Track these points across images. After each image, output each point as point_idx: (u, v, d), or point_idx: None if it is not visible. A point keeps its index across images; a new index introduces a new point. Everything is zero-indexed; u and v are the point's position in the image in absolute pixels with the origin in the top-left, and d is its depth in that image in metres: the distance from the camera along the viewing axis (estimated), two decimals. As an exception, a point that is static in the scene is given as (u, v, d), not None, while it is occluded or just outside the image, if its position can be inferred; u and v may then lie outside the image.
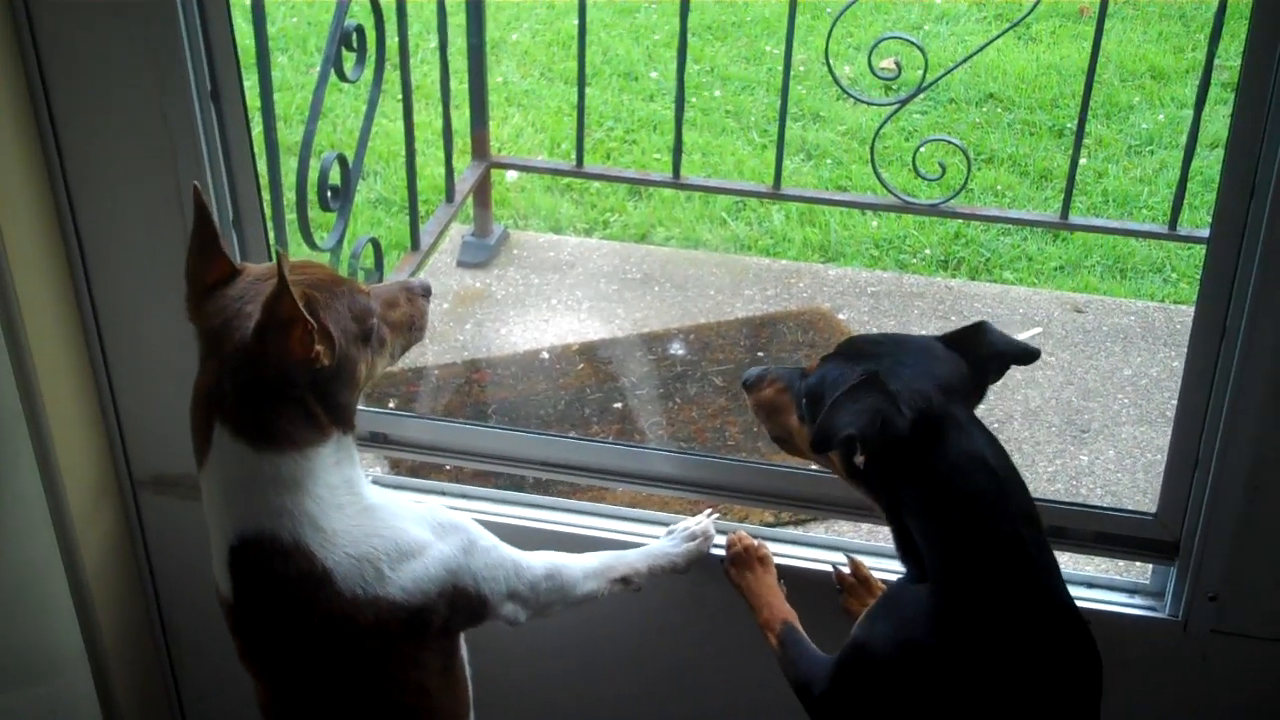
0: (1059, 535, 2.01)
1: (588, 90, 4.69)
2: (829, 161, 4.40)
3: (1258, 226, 1.72)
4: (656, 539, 2.04)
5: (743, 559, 1.98)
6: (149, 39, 1.87)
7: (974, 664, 1.62)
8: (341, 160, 2.85)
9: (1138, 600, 2.02)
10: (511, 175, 4.25)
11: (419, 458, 2.23)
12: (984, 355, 1.69)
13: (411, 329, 1.78)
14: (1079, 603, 1.97)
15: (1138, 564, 2.11)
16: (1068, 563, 2.50)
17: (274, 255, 2.13)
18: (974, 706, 1.63)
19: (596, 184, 4.21)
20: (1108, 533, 1.99)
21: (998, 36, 3.75)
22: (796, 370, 1.79)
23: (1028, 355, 1.71)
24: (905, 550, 1.71)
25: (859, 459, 1.60)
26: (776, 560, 2.01)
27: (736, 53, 4.95)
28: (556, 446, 2.22)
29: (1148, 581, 2.04)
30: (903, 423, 1.59)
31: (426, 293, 1.81)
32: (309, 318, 1.55)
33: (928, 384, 1.63)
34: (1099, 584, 2.05)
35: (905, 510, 1.66)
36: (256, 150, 2.02)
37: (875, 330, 3.49)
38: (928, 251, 4.00)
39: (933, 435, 1.61)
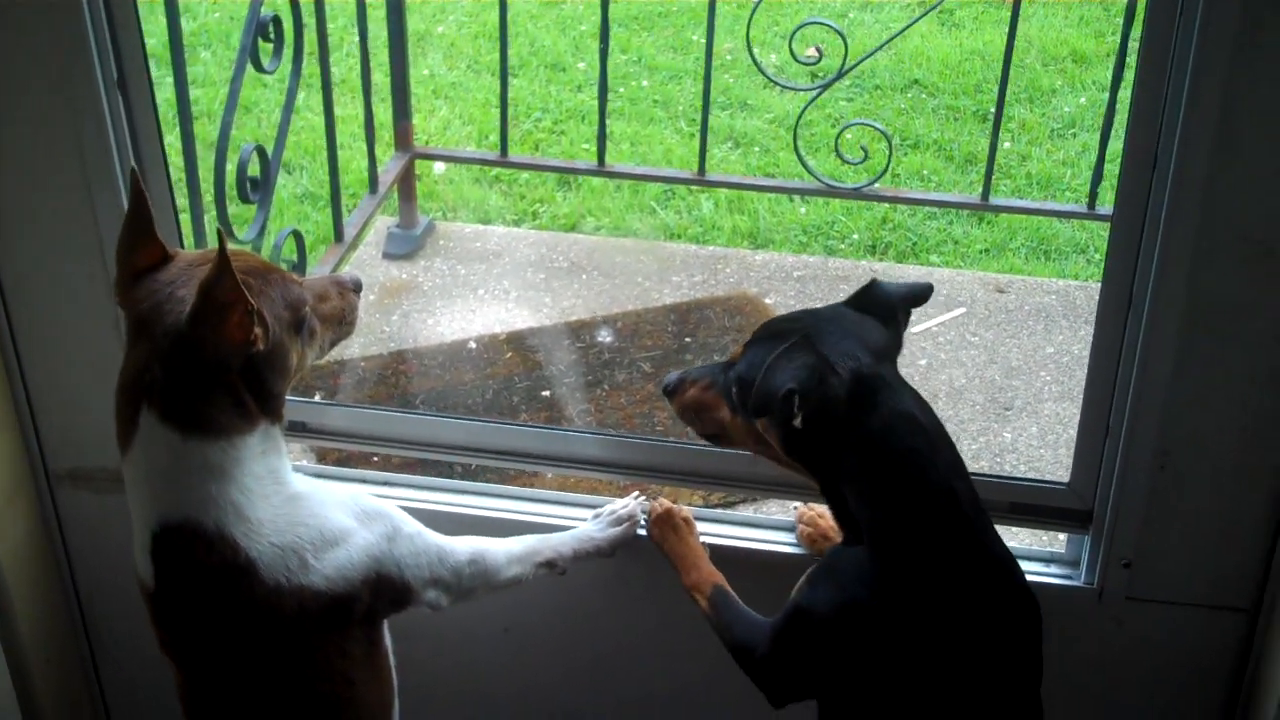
0: (976, 507, 2.03)
1: (515, 81, 4.71)
2: (757, 149, 4.43)
3: (1160, 199, 1.75)
4: (584, 522, 2.04)
5: (665, 520, 1.99)
6: (54, 26, 1.85)
7: (915, 622, 1.64)
8: (260, 152, 2.84)
9: (1054, 569, 2.05)
10: (439, 168, 4.24)
11: (340, 445, 2.22)
12: (887, 308, 1.73)
13: (342, 323, 1.78)
14: (996, 573, 2.03)
15: (1055, 534, 2.15)
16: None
17: (185, 245, 2.12)
18: (916, 663, 1.65)
19: (525, 175, 4.21)
20: (1023, 503, 2.02)
21: (916, 20, 3.79)
22: (716, 366, 1.81)
23: (923, 293, 1.76)
24: (842, 518, 1.73)
25: (797, 421, 1.62)
26: (707, 540, 2.02)
27: (664, 42, 4.96)
28: (479, 431, 2.21)
29: (1063, 551, 2.07)
30: (839, 381, 1.62)
31: (357, 288, 1.81)
32: (250, 299, 1.54)
33: (854, 345, 1.66)
34: (1016, 554, 2.06)
35: (842, 477, 1.68)
36: (174, 143, 2.01)
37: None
38: (855, 236, 4.03)
39: (866, 395, 1.63)
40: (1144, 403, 1.86)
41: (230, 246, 1.53)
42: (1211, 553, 1.95)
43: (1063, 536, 2.08)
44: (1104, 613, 2.01)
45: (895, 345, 1.73)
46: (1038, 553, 2.08)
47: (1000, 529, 2.53)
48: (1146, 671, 2.06)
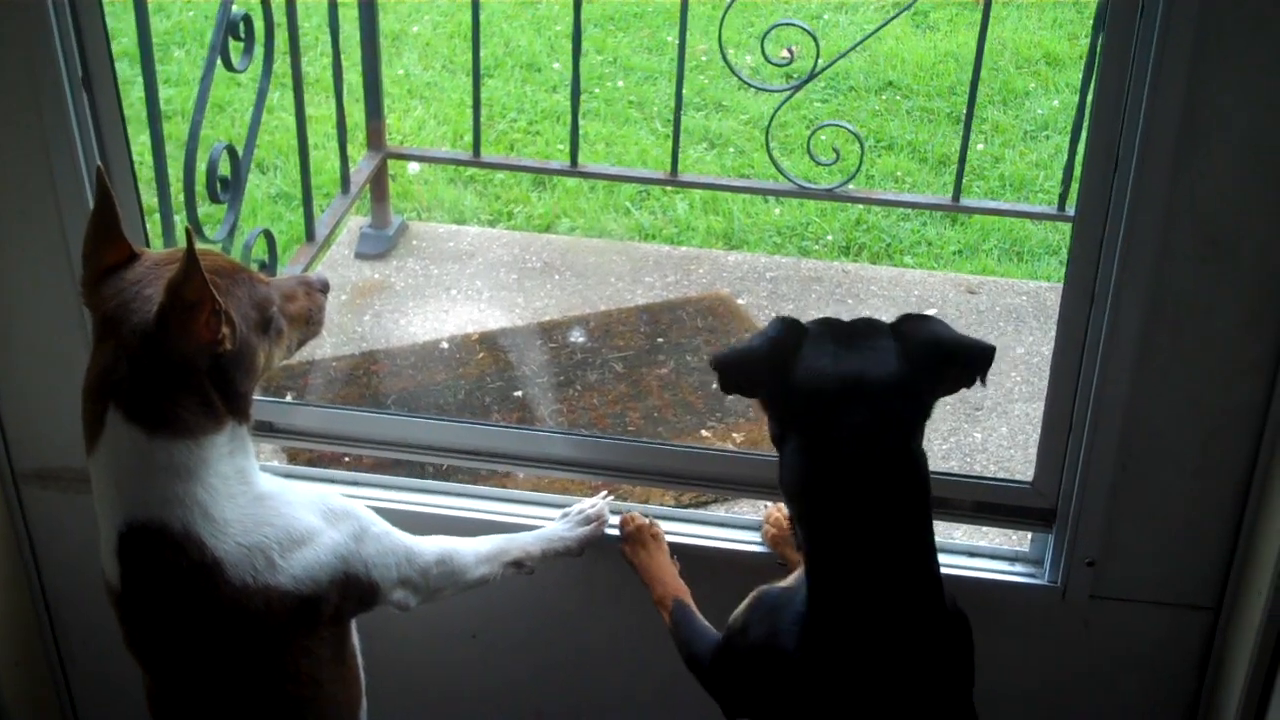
0: (941, 506, 2.04)
1: (490, 82, 4.71)
2: (731, 150, 4.43)
3: (1122, 199, 1.76)
4: (553, 521, 2.04)
5: (636, 537, 2.00)
6: (18, 24, 1.84)
7: (837, 680, 1.62)
8: (231, 151, 2.83)
9: (1018, 568, 2.06)
10: (414, 168, 4.23)
11: (308, 446, 2.22)
12: (924, 348, 1.62)
13: (309, 323, 1.78)
14: (961, 572, 2.04)
15: (1020, 532, 2.15)
16: (950, 533, 2.58)
17: (155, 245, 2.12)
18: (835, 712, 1.64)
19: (500, 176, 4.21)
20: (987, 502, 2.03)
21: (887, 21, 3.81)
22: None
23: (970, 354, 1.63)
24: (794, 533, 1.73)
25: (717, 386, 1.62)
26: (677, 540, 2.03)
27: (639, 43, 4.97)
28: (448, 431, 2.21)
29: (1027, 549, 2.07)
30: (787, 375, 1.58)
31: (325, 288, 1.81)
32: (218, 299, 1.54)
33: (834, 355, 1.60)
34: (981, 553, 2.08)
35: (779, 484, 1.67)
36: (148, 142, 2.00)
37: (772, 314, 3.51)
38: (830, 238, 4.04)
39: (819, 405, 1.57)
40: (1106, 402, 1.87)
41: (198, 246, 1.53)
42: (1174, 551, 1.96)
43: (1028, 535, 2.08)
44: (1068, 611, 2.02)
45: (904, 383, 1.59)
46: (1002, 551, 2.09)
47: (966, 528, 2.57)
48: (1111, 670, 2.07)
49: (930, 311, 3.58)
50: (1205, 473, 1.89)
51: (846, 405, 1.56)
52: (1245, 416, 1.85)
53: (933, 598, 1.63)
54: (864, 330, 1.64)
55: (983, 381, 1.62)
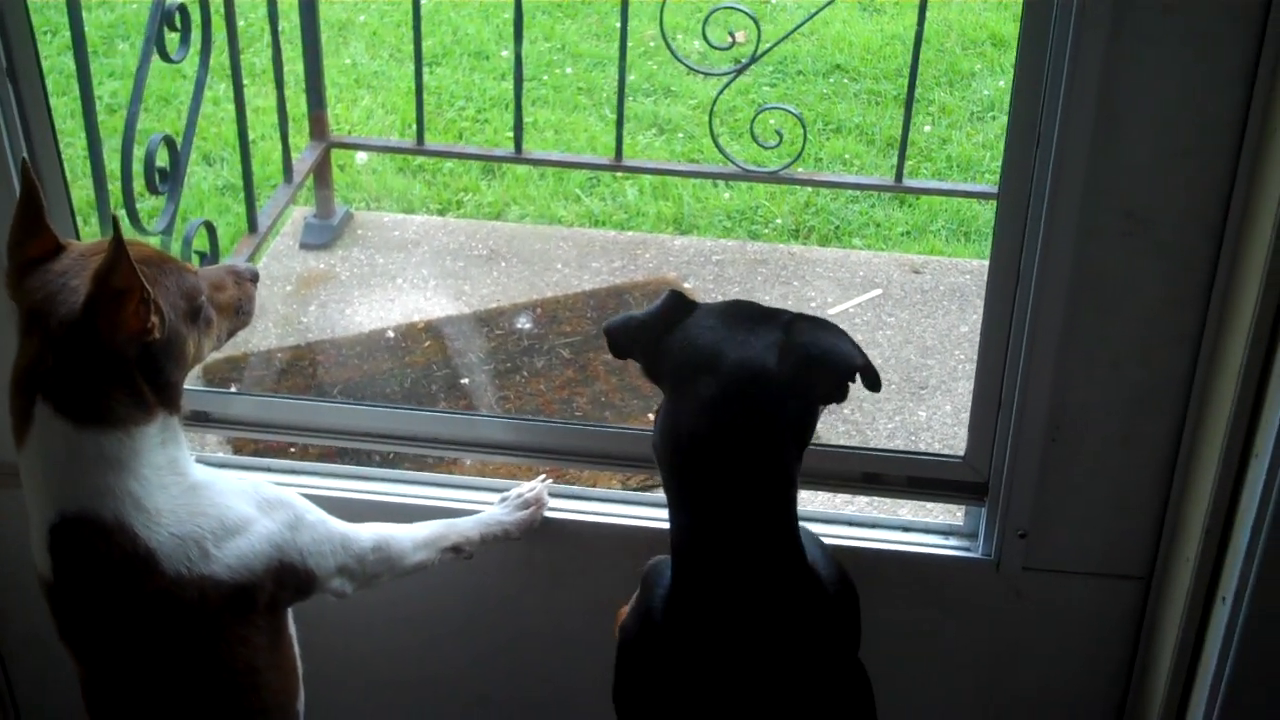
0: (874, 481, 2.07)
1: (438, 70, 4.70)
2: (680, 135, 4.44)
3: (1044, 176, 1.78)
4: (492, 505, 2.05)
5: None
6: (-62, 17, 1.83)
7: (695, 649, 1.66)
8: (169, 142, 2.82)
9: (952, 541, 2.08)
10: (362, 157, 4.22)
11: (244, 435, 2.22)
12: (798, 350, 1.64)
13: (239, 313, 1.78)
14: (897, 547, 2.07)
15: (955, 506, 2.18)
16: (884, 508, 2.60)
17: (79, 234, 2.11)
18: (696, 680, 1.67)
19: (449, 164, 4.20)
20: (920, 477, 2.05)
21: (826, 4, 3.83)
22: None
23: (831, 361, 1.64)
24: None
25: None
26: (627, 523, 2.06)
27: (587, 29, 4.96)
28: (387, 417, 2.21)
29: (961, 523, 2.10)
30: (648, 311, 1.67)
31: (254, 277, 1.81)
32: (146, 286, 1.54)
33: (716, 330, 1.65)
34: (915, 527, 2.10)
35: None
36: (69, 134, 1.99)
37: (720, 298, 3.53)
38: (779, 221, 4.06)
39: (684, 370, 1.63)
40: (1034, 376, 1.89)
41: (130, 237, 1.53)
42: (1104, 521, 1.98)
43: (961, 509, 2.11)
44: (1002, 583, 2.04)
45: (763, 372, 1.61)
46: (936, 525, 2.11)
47: (903, 502, 2.59)
48: (1046, 641, 2.10)
49: (875, 292, 3.66)
50: (1133, 443, 1.92)
51: (701, 376, 1.60)
52: (1170, 386, 1.87)
53: (789, 567, 1.65)
54: (758, 317, 1.67)
55: (875, 388, 1.65)
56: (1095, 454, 1.93)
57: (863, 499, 2.72)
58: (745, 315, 1.67)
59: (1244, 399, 1.75)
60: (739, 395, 1.59)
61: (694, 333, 1.64)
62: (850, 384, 1.65)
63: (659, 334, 1.66)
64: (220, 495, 1.69)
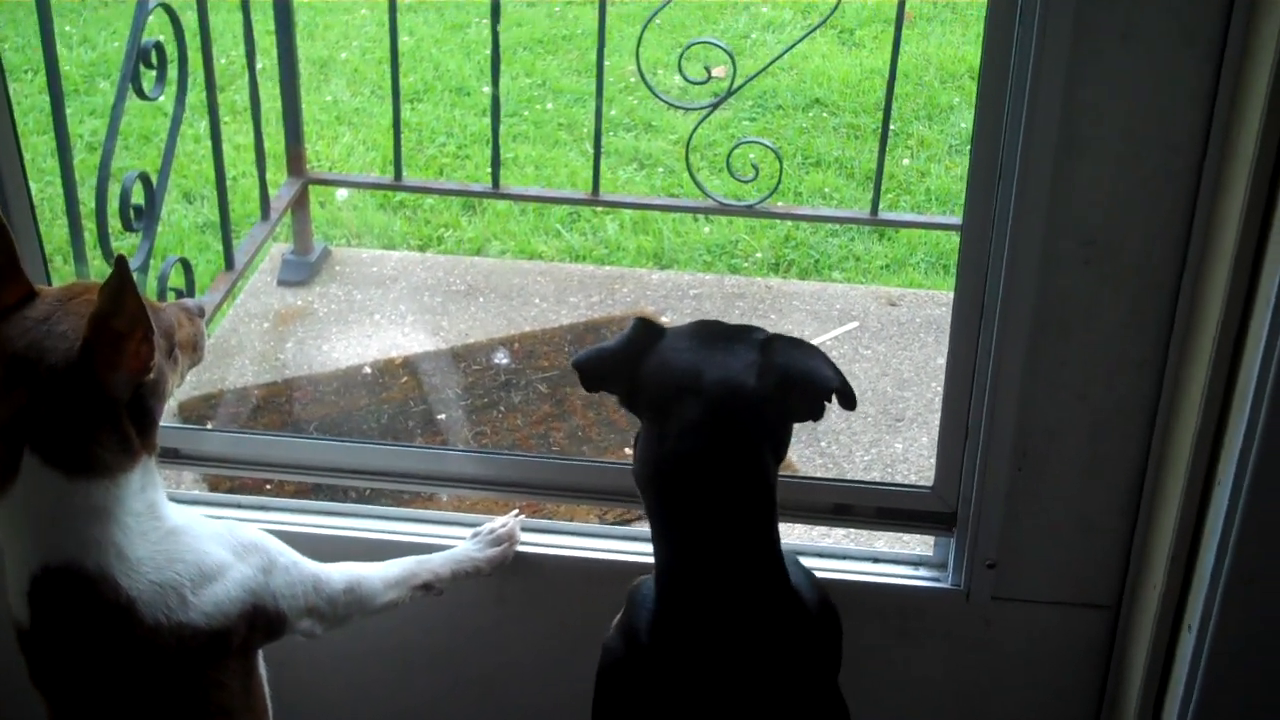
0: (844, 513, 2.07)
1: (420, 107, 4.72)
2: (661, 170, 4.46)
3: (1006, 204, 1.79)
4: (464, 540, 2.04)
5: None
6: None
7: (678, 669, 1.66)
8: (145, 179, 2.83)
9: (922, 572, 2.08)
10: (342, 194, 4.23)
11: (214, 471, 2.21)
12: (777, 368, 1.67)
13: (195, 349, 1.78)
14: (867, 578, 2.06)
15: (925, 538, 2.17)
16: (861, 540, 2.60)
17: (69, 277, 2.11)
18: (679, 700, 1.67)
19: (430, 200, 4.21)
20: (889, 508, 2.05)
21: (800, 40, 3.86)
22: None
23: (810, 382, 1.66)
24: None
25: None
26: (602, 556, 2.06)
27: (568, 65, 4.99)
28: (358, 453, 2.21)
29: (931, 554, 2.10)
30: (616, 340, 1.68)
31: (201, 312, 1.81)
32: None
33: (690, 353, 1.67)
34: (885, 558, 2.10)
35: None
36: (50, 173, 1.99)
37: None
38: (759, 255, 4.07)
39: (660, 398, 1.64)
40: (999, 405, 1.89)
41: (92, 278, 1.52)
42: (1072, 550, 1.98)
43: (931, 539, 2.11)
44: (972, 613, 2.04)
45: (743, 391, 1.63)
46: (906, 556, 2.11)
47: (871, 534, 2.59)
48: (1017, 671, 2.09)
49: (851, 324, 3.66)
50: (1098, 471, 1.92)
51: (682, 398, 1.62)
52: (1135, 413, 1.88)
53: (773, 588, 1.67)
54: (734, 335, 1.69)
55: (850, 406, 1.66)
56: (1062, 483, 1.93)
57: (840, 531, 2.73)
58: (717, 334, 1.69)
59: (1206, 425, 1.76)
60: (721, 414, 1.60)
61: (668, 356, 1.65)
62: (827, 403, 1.66)
63: (632, 362, 1.67)
64: (196, 540, 1.68)
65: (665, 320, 3.64)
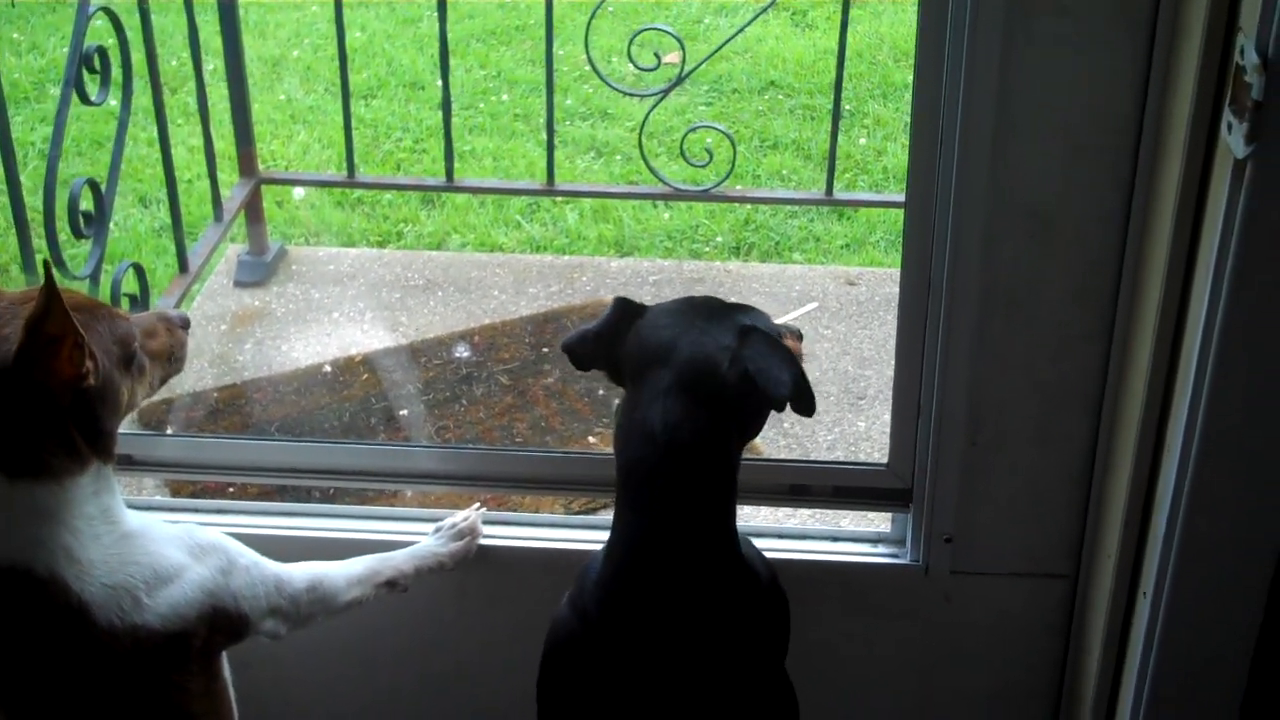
0: (801, 493, 2.07)
1: (374, 102, 4.70)
2: (619, 157, 4.46)
3: (948, 181, 1.80)
4: (426, 536, 2.04)
5: None
6: None
7: (621, 639, 1.69)
8: (93, 185, 2.81)
9: (881, 549, 2.09)
10: (299, 193, 4.21)
11: (170, 476, 2.20)
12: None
13: (171, 359, 1.77)
14: (826, 556, 2.07)
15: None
16: (827, 519, 2.61)
17: (18, 285, 2.10)
18: (629, 674, 1.70)
19: (388, 196, 4.20)
20: (845, 486, 2.06)
21: (748, 24, 3.86)
22: None
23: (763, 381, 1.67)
24: None
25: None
26: (569, 547, 2.07)
27: (522, 56, 4.97)
28: (316, 452, 2.20)
29: (889, 530, 2.11)
30: (599, 320, 1.74)
31: (185, 324, 1.81)
32: (80, 331, 1.53)
33: (672, 328, 1.71)
34: (843, 536, 2.11)
35: None
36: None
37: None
38: (719, 239, 4.07)
39: (640, 367, 1.69)
40: (950, 381, 1.90)
41: (59, 283, 1.52)
42: (1028, 522, 2.00)
43: (889, 516, 2.12)
44: (931, 589, 2.05)
45: (723, 371, 1.66)
46: (865, 533, 2.12)
47: (830, 512, 2.60)
48: (978, 643, 2.11)
49: (811, 305, 3.67)
50: (1050, 442, 1.93)
51: (655, 370, 1.67)
52: (1084, 384, 1.89)
53: (725, 562, 1.70)
54: (717, 315, 1.72)
55: (806, 414, 1.68)
56: (1015, 455, 1.95)
57: (805, 511, 2.74)
58: (702, 309, 1.73)
59: (1154, 393, 1.77)
60: (687, 388, 1.65)
61: (646, 332, 1.71)
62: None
63: (614, 340, 1.74)
64: (152, 543, 1.68)
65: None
